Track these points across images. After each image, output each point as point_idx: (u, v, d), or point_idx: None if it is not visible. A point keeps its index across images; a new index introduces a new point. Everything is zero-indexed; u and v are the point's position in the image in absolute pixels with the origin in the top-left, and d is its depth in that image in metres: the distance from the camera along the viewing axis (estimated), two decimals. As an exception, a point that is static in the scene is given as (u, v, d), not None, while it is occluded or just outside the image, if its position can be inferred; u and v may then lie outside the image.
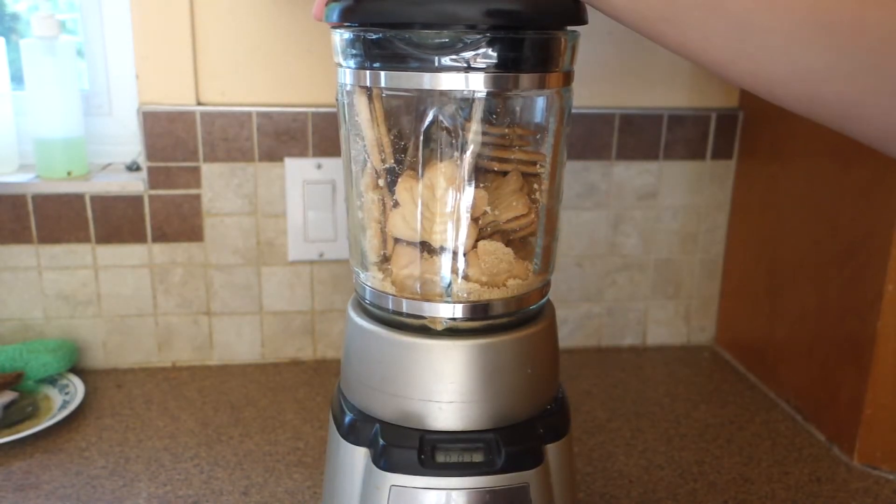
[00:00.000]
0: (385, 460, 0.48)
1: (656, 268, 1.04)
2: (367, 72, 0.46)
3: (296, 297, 0.97)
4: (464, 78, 0.44)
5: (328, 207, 0.94)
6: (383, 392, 0.50)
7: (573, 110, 0.52)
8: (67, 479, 0.73)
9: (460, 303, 0.49)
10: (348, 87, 0.49)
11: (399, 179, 0.49)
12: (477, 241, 0.49)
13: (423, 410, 0.49)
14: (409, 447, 0.48)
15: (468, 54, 0.43)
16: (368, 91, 0.47)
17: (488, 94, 0.46)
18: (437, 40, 0.43)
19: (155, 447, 0.79)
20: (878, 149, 0.41)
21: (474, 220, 0.48)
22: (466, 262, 0.49)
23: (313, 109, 0.91)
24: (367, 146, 0.48)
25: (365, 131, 0.48)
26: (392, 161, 0.49)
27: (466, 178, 0.47)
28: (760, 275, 0.96)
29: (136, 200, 0.90)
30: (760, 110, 0.96)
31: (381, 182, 0.50)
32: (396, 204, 0.49)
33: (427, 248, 0.49)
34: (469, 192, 0.47)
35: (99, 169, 0.95)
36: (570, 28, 0.47)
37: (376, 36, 0.45)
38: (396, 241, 0.50)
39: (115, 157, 0.97)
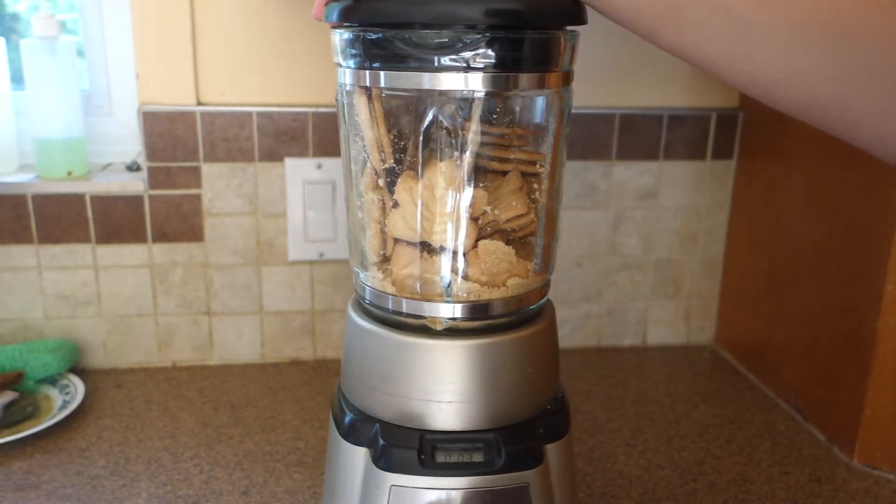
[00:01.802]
0: (385, 460, 0.48)
1: (656, 268, 1.04)
2: (367, 72, 0.46)
3: (296, 297, 0.97)
4: (463, 78, 0.44)
5: (328, 207, 0.94)
6: (383, 392, 0.50)
7: (573, 110, 0.52)
8: (67, 479, 0.73)
9: (460, 303, 0.49)
10: (348, 87, 0.49)
11: (399, 180, 0.49)
12: (477, 240, 0.49)
13: (423, 410, 0.49)
14: (409, 447, 0.48)
15: (468, 54, 0.43)
16: (368, 91, 0.47)
17: (488, 93, 0.46)
18: (436, 40, 0.43)
19: (155, 447, 0.79)
20: (874, 153, 0.41)
21: (474, 219, 0.48)
22: (466, 261, 0.49)
23: (313, 109, 0.91)
24: (367, 146, 0.48)
25: (364, 131, 0.48)
26: (392, 161, 0.49)
27: (466, 177, 0.47)
28: (760, 275, 0.96)
29: (136, 200, 0.91)
30: (760, 110, 0.96)
31: (381, 182, 0.50)
32: (396, 204, 0.49)
33: (427, 248, 0.49)
34: (469, 192, 0.47)
35: (99, 169, 0.95)
36: (569, 28, 0.47)
37: (376, 36, 0.45)
38: (396, 241, 0.50)
39: (115, 157, 0.97)
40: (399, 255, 0.50)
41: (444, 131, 0.46)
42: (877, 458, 0.77)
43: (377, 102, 0.48)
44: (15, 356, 0.87)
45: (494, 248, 0.48)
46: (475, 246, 0.49)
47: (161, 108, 0.89)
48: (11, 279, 0.91)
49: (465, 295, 0.49)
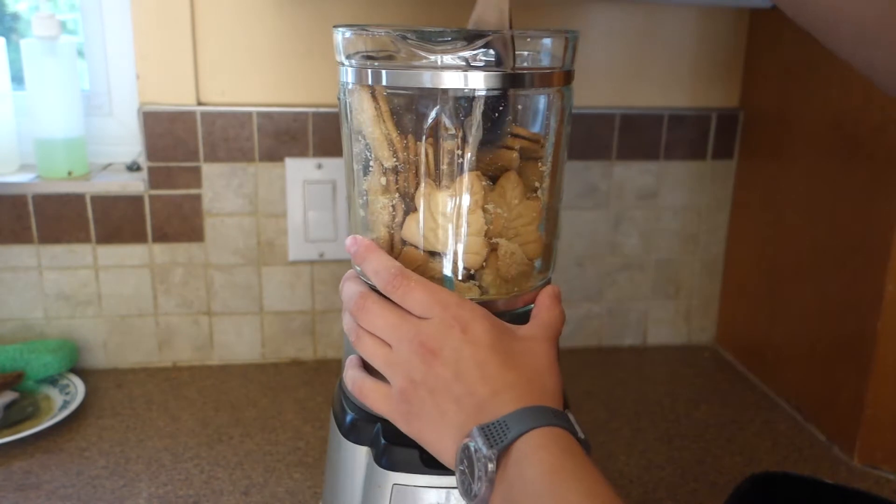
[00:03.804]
0: (387, 459, 0.48)
1: (656, 268, 1.04)
2: (369, 70, 0.46)
3: (296, 297, 0.97)
4: (464, 77, 0.44)
5: (328, 207, 0.94)
6: (384, 391, 0.50)
7: (573, 110, 0.52)
8: (68, 478, 0.73)
9: (461, 302, 0.49)
10: (350, 86, 0.49)
11: (398, 179, 0.49)
12: (476, 240, 0.48)
13: (425, 409, 0.49)
14: (411, 446, 0.48)
15: (469, 53, 0.43)
16: (371, 89, 0.47)
17: (488, 92, 0.46)
18: (438, 39, 0.43)
19: (155, 447, 0.79)
20: (888, 90, 0.41)
21: (476, 220, 0.48)
22: (467, 261, 0.49)
23: (313, 109, 0.91)
24: (375, 144, 0.48)
25: (370, 129, 0.48)
26: (401, 157, 0.49)
27: (467, 177, 0.47)
28: (760, 275, 0.96)
29: (136, 200, 0.90)
30: (760, 110, 0.96)
31: (389, 182, 0.49)
32: (407, 208, 0.49)
33: (431, 250, 0.49)
34: (470, 192, 0.47)
35: (99, 169, 0.95)
36: (569, 28, 0.47)
37: (378, 34, 0.45)
38: (404, 243, 0.50)
39: (115, 157, 0.97)
40: (406, 257, 0.50)
41: (446, 130, 0.46)
42: (877, 458, 0.77)
43: (382, 100, 0.47)
44: (15, 356, 0.87)
45: (514, 250, 0.48)
46: (488, 247, 0.48)
47: (161, 108, 0.89)
48: (11, 279, 0.91)
49: (466, 294, 0.49)
